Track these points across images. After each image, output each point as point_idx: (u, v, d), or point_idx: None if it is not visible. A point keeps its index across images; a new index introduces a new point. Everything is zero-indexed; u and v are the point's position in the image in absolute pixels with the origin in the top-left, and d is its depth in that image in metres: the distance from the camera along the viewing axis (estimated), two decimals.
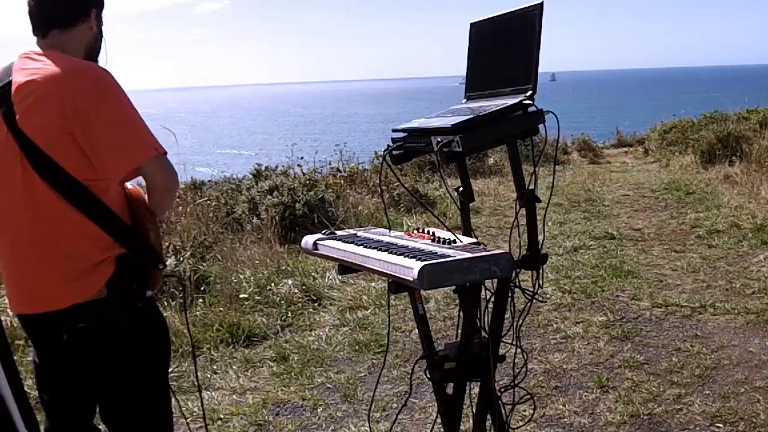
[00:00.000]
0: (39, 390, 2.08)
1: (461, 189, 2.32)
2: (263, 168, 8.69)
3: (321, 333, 4.54)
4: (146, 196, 1.98)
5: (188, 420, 3.37)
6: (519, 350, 2.20)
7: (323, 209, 7.36)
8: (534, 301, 2.15)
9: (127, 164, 1.85)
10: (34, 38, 1.97)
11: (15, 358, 2.01)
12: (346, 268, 2.16)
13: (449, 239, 2.02)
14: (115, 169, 1.85)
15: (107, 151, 1.82)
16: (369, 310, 4.88)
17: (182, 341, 4.11)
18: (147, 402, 2.03)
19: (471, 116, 1.95)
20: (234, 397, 3.68)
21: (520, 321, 2.17)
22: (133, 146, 1.85)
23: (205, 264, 5.56)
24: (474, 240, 2.05)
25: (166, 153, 1.89)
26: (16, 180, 1.83)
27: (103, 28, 2.04)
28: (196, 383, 3.72)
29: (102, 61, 2.04)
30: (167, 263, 4.93)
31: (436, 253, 1.84)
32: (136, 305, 1.95)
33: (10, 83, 1.85)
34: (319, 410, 3.51)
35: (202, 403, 2.92)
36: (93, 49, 2.01)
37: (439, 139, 1.97)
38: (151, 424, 2.05)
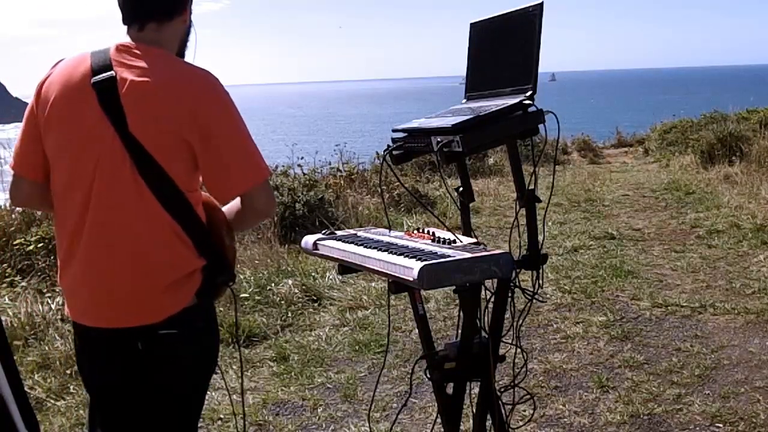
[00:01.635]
0: (91, 398, 1.94)
1: (461, 189, 2.32)
2: None
3: (321, 333, 4.54)
4: (229, 212, 1.90)
5: None
6: (519, 350, 2.20)
7: (323, 209, 7.36)
8: (534, 301, 2.15)
9: (243, 186, 1.77)
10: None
11: (15, 358, 2.01)
12: (346, 268, 2.16)
13: (449, 239, 2.02)
14: (229, 188, 1.78)
15: (225, 170, 1.74)
16: (369, 310, 4.88)
17: None
18: (197, 409, 1.98)
19: (471, 116, 1.95)
20: (234, 397, 3.67)
21: (520, 321, 2.17)
22: (252, 167, 1.77)
23: None
24: (474, 240, 2.05)
25: (271, 175, 1.83)
26: (122, 188, 1.72)
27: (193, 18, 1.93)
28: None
29: (189, 55, 1.94)
30: None
31: (436, 253, 1.84)
32: (213, 315, 1.90)
33: (113, 78, 1.71)
34: (319, 410, 3.51)
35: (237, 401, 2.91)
36: (184, 44, 1.91)
37: (439, 139, 1.97)
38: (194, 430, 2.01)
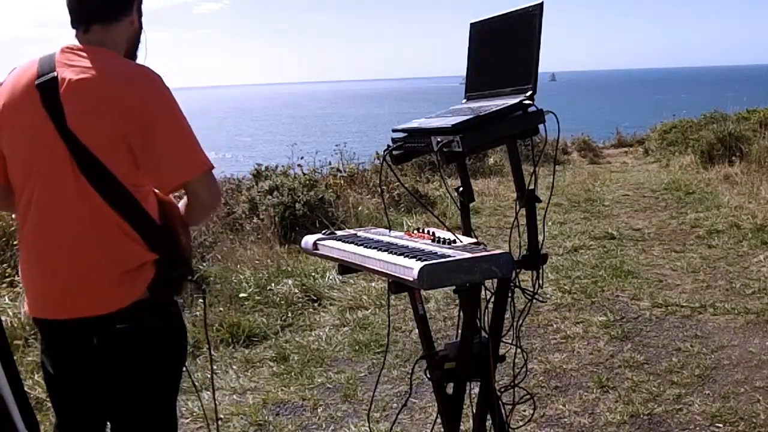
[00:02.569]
0: (52, 400, 2.01)
1: (461, 189, 2.32)
2: (263, 168, 8.69)
3: (321, 333, 4.54)
4: (181, 207, 1.94)
5: (187, 420, 3.38)
6: (519, 350, 2.20)
7: (323, 209, 7.36)
8: (534, 301, 2.15)
9: (181, 177, 1.80)
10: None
11: (15, 358, 2.01)
12: (346, 268, 2.16)
13: (449, 239, 2.02)
14: (169, 180, 1.81)
15: (163, 161, 1.78)
16: (369, 310, 4.88)
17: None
18: (162, 407, 1.98)
19: (471, 116, 1.95)
20: (234, 397, 3.68)
21: (520, 321, 2.17)
22: (188, 159, 1.80)
23: (205, 264, 5.56)
24: (474, 240, 2.05)
25: (213, 168, 1.84)
26: (64, 183, 1.77)
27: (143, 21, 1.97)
28: (199, 383, 3.72)
29: (141, 56, 1.98)
30: None
31: (436, 253, 1.84)
32: (170, 309, 1.92)
33: (55, 79, 1.76)
34: (319, 410, 3.51)
35: (214, 401, 2.91)
36: (134, 45, 1.95)
37: (439, 139, 1.97)
38: (164, 428, 2.01)
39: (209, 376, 3.21)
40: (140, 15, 1.94)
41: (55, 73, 1.76)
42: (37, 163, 1.79)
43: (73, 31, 1.89)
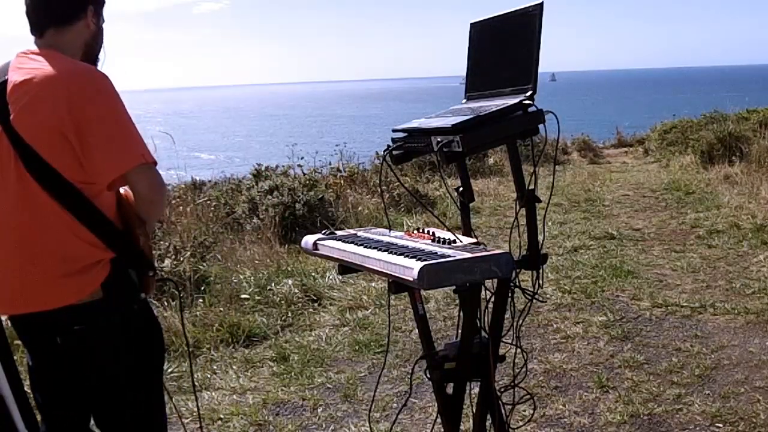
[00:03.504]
0: (33, 391, 2.06)
1: (461, 189, 2.32)
2: (263, 168, 8.69)
3: (321, 333, 4.54)
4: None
5: (188, 420, 3.38)
6: (519, 350, 2.20)
7: (323, 209, 7.36)
8: (534, 301, 2.15)
9: (114, 170, 1.82)
10: (32, 38, 1.95)
11: (15, 358, 2.01)
12: (346, 268, 2.16)
13: (449, 239, 2.02)
14: (102, 173, 1.83)
15: (96, 155, 1.80)
16: (369, 310, 4.88)
17: (182, 341, 4.10)
18: (141, 404, 2.00)
19: (471, 116, 1.95)
20: (234, 397, 3.68)
21: (520, 321, 2.17)
22: (120, 152, 1.82)
23: (205, 264, 5.56)
24: (474, 240, 2.05)
25: (155, 163, 1.85)
26: (9, 179, 1.82)
27: (104, 26, 2.01)
28: (199, 383, 3.72)
29: (101, 60, 2.01)
30: (165, 264, 4.93)
31: (436, 253, 1.84)
32: (131, 308, 1.94)
33: (5, 82, 1.83)
34: (319, 410, 3.51)
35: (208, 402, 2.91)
36: (92, 48, 1.98)
37: (439, 139, 1.97)
38: (147, 426, 2.03)
39: (208, 375, 3.21)
40: (98, 18, 1.97)
41: (6, 77, 1.84)
42: None
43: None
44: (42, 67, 1.82)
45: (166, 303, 4.60)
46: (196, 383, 3.73)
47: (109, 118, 1.82)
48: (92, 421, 2.09)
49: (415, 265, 1.70)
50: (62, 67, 1.83)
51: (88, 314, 1.85)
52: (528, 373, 3.43)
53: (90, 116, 1.78)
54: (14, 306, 1.92)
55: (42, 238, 1.83)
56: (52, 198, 1.80)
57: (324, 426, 3.37)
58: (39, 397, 2.04)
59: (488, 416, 2.19)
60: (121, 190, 1.97)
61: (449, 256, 1.79)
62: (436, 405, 2.47)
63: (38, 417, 1.99)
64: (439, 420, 2.25)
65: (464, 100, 2.28)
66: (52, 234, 1.82)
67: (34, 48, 1.92)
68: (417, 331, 2.44)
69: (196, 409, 3.43)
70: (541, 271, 2.11)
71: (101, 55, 2.02)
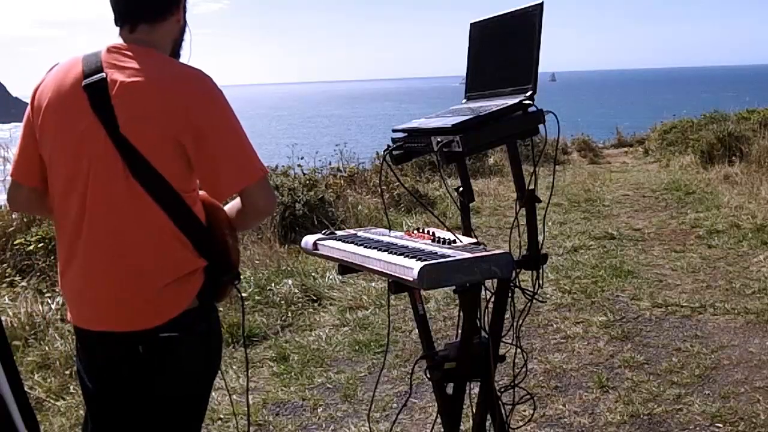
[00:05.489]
0: (87, 404, 1.93)
1: (461, 189, 2.32)
2: None
3: (321, 333, 4.54)
4: (230, 211, 1.89)
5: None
6: (519, 350, 2.20)
7: (323, 209, 7.36)
8: (534, 301, 2.15)
9: (239, 184, 1.75)
10: (116, 28, 1.81)
11: (15, 358, 2.01)
12: (346, 268, 2.16)
13: (449, 239, 2.02)
14: (225, 188, 1.77)
15: (219, 168, 1.72)
16: (369, 310, 4.88)
17: None
18: (200, 412, 1.95)
19: (471, 116, 1.95)
20: (234, 397, 3.67)
21: (520, 321, 2.17)
22: (245, 166, 1.75)
23: None
24: (474, 240, 2.05)
25: (268, 173, 1.80)
26: (116, 188, 1.70)
27: (187, 18, 1.91)
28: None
29: (185, 55, 1.92)
30: None
31: (436, 253, 1.84)
32: (215, 316, 1.89)
33: (104, 80, 1.70)
34: (319, 410, 3.51)
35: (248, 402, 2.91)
36: (178, 44, 1.90)
37: (439, 139, 1.97)
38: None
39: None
40: (185, 12, 1.88)
41: (104, 74, 1.70)
42: (88, 168, 1.72)
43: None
44: (148, 68, 1.71)
45: None
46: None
47: (227, 129, 1.74)
48: None
49: (415, 265, 1.70)
50: (172, 71, 1.75)
51: (181, 323, 1.76)
52: (528, 373, 3.43)
53: (209, 126, 1.70)
54: (116, 322, 1.77)
55: (153, 248, 1.73)
56: (160, 206, 1.72)
57: (324, 426, 3.37)
58: (92, 409, 1.91)
59: (488, 416, 2.18)
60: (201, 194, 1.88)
61: (449, 256, 1.79)
62: (436, 405, 2.47)
63: (39, 417, 1.97)
64: (439, 420, 2.25)
65: (464, 100, 2.28)
66: (159, 243, 1.74)
67: (121, 42, 1.78)
68: (417, 331, 2.44)
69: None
70: (541, 271, 2.11)
71: (185, 51, 1.92)
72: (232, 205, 1.90)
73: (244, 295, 4.98)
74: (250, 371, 3.99)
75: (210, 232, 1.82)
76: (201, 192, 1.85)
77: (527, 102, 1.96)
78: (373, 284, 5.28)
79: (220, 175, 1.74)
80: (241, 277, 1.97)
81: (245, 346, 3.07)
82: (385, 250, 1.91)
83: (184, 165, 1.72)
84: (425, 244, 2.01)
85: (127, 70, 1.70)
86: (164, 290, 1.75)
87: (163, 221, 1.73)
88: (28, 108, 1.84)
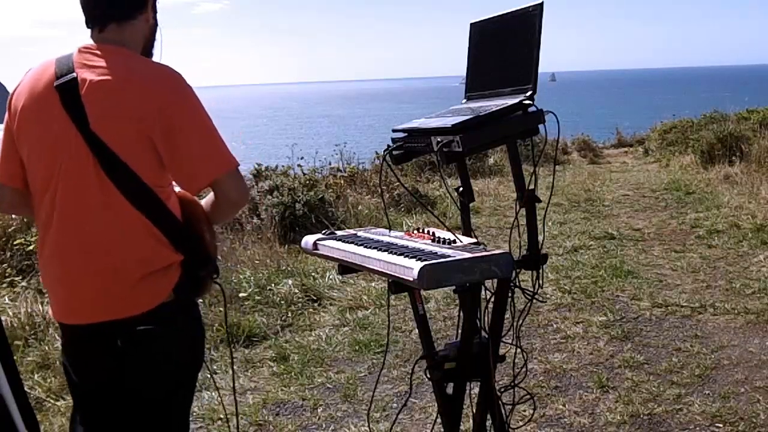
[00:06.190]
0: (74, 399, 1.98)
1: (461, 189, 2.32)
2: (263, 168, 8.69)
3: (321, 333, 4.54)
4: (206, 205, 1.92)
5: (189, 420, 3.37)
6: (519, 350, 2.20)
7: (323, 209, 7.36)
8: (534, 301, 2.15)
9: (209, 176, 1.78)
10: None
11: (15, 358, 2.01)
12: (346, 268, 2.16)
13: (449, 239, 2.02)
14: (194, 180, 1.79)
15: (189, 161, 1.76)
16: (369, 310, 4.88)
17: None
18: (183, 407, 1.97)
19: (471, 116, 1.95)
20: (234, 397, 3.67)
21: (520, 321, 2.17)
22: (215, 157, 1.78)
23: None
24: (474, 240, 2.05)
25: (239, 165, 1.83)
26: (88, 185, 1.74)
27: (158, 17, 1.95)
28: (199, 383, 3.72)
29: (156, 53, 1.96)
30: None
31: (436, 253, 1.84)
32: (194, 310, 1.92)
33: (75, 80, 1.73)
34: (319, 410, 3.51)
35: (235, 402, 2.91)
36: (150, 43, 1.93)
37: (439, 139, 1.97)
38: (182, 430, 2.00)
39: (208, 375, 3.21)
40: (155, 12, 1.92)
41: (75, 74, 1.74)
42: (60, 166, 1.76)
43: (80, 32, 1.87)
44: (116, 66, 1.75)
45: None
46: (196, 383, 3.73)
47: (197, 123, 1.77)
48: None
49: (415, 265, 1.70)
50: (141, 67, 1.79)
51: (157, 316, 1.80)
52: (528, 373, 3.43)
53: (178, 120, 1.73)
54: (92, 314, 1.81)
55: (125, 243, 1.77)
56: (132, 202, 1.75)
57: (324, 426, 3.37)
58: (80, 405, 1.96)
59: (488, 416, 2.19)
60: (177, 190, 1.91)
61: (449, 256, 1.79)
62: (436, 405, 2.47)
63: (39, 417, 1.97)
64: (439, 420, 2.25)
65: (464, 100, 2.28)
66: (134, 239, 1.77)
67: (90, 42, 1.82)
68: (417, 331, 2.44)
69: (195, 409, 3.44)
70: (541, 271, 2.11)
71: (156, 49, 1.96)
72: (208, 200, 1.93)
73: (244, 295, 5.00)
74: (250, 371, 4.00)
75: (185, 227, 1.86)
76: (179, 189, 1.89)
77: (527, 102, 1.96)
78: (373, 284, 5.28)
79: (190, 167, 1.77)
80: (220, 271, 2.00)
81: (229, 344, 3.08)
82: (385, 250, 1.91)
83: (156, 160, 1.75)
84: (425, 244, 2.01)
85: (96, 69, 1.75)
86: (139, 284, 1.78)
87: (135, 216, 1.76)
88: (6, 112, 1.89)
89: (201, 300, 4.77)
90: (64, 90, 1.74)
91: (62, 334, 1.97)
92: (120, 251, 1.77)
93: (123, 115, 1.71)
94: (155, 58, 1.94)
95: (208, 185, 1.82)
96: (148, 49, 1.93)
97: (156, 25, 1.94)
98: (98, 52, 1.78)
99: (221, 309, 4.75)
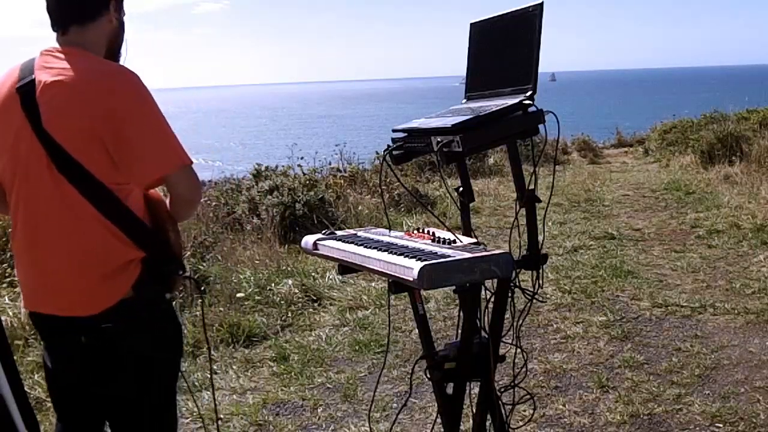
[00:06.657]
0: (50, 394, 2.04)
1: (461, 189, 2.32)
2: (263, 168, 8.69)
3: (321, 333, 4.54)
4: (167, 203, 1.94)
5: (188, 420, 3.38)
6: (519, 350, 2.20)
7: (323, 209, 7.36)
8: (534, 301, 2.15)
9: (155, 172, 1.81)
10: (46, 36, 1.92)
11: (15, 358, 2.01)
12: (346, 268, 2.16)
13: (449, 239, 2.02)
14: (142, 176, 1.82)
15: (136, 157, 1.78)
16: (369, 310, 4.88)
17: (186, 341, 4.10)
18: (159, 405, 1.99)
19: (471, 116, 1.95)
20: (234, 397, 3.68)
21: (520, 321, 2.17)
22: (162, 154, 1.81)
23: (205, 264, 5.56)
24: (474, 240, 2.05)
25: (192, 163, 1.85)
26: (43, 183, 1.79)
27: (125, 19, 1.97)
28: (199, 383, 3.72)
29: (123, 56, 1.98)
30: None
31: (436, 253, 1.84)
32: (159, 307, 1.93)
33: (33, 81, 1.79)
34: (319, 410, 3.51)
35: (214, 400, 2.91)
36: (115, 44, 1.95)
37: (439, 139, 1.97)
38: (162, 427, 2.01)
39: (209, 375, 3.21)
40: (120, 13, 1.94)
41: (33, 76, 1.80)
42: (20, 164, 1.82)
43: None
44: (72, 67, 1.78)
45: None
46: (196, 383, 3.73)
47: (147, 120, 1.79)
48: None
49: (415, 265, 1.70)
50: (94, 67, 1.81)
51: (118, 313, 1.83)
52: (528, 373, 3.43)
53: (128, 119, 1.75)
54: (53, 307, 1.88)
55: (80, 240, 1.81)
56: (87, 200, 1.78)
57: (324, 426, 3.37)
58: (56, 400, 2.04)
59: (488, 416, 2.19)
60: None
61: (449, 256, 1.79)
62: (436, 405, 2.47)
63: (39, 417, 1.98)
64: (439, 420, 2.25)
65: (464, 100, 2.28)
66: (89, 235, 1.80)
67: (57, 46, 1.87)
68: (417, 331, 2.44)
69: (196, 409, 3.44)
70: (541, 271, 2.11)
71: (123, 51, 1.98)
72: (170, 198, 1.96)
73: (242, 294, 4.99)
74: (250, 371, 4.00)
75: (145, 224, 1.88)
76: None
77: (527, 102, 1.96)
78: (373, 284, 5.28)
79: (136, 165, 1.80)
80: (187, 268, 2.02)
81: (208, 342, 3.08)
82: (385, 250, 1.91)
83: (108, 158, 1.78)
84: (425, 244, 2.01)
85: (53, 70, 1.79)
86: (98, 280, 1.82)
87: (90, 213, 1.79)
88: None
89: (197, 298, 4.78)
90: (24, 92, 1.80)
91: (35, 327, 2.03)
92: (77, 247, 1.81)
93: (74, 115, 1.74)
94: (122, 59, 1.97)
95: (159, 183, 1.86)
96: (114, 50, 1.95)
97: (122, 25, 1.96)
98: (59, 55, 1.83)
99: (221, 309, 4.75)
